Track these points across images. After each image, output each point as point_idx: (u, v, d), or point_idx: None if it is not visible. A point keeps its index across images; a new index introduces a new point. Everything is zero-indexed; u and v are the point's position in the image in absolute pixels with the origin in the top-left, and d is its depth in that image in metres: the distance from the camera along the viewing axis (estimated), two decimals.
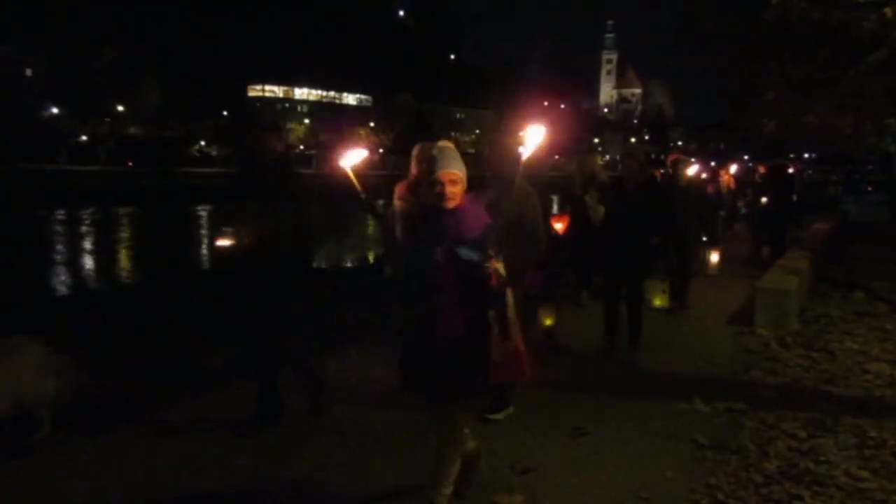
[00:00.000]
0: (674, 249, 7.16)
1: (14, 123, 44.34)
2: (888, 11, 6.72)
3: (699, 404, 4.63)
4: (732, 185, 12.39)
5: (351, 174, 3.06)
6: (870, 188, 51.62)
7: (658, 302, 5.49)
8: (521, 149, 2.83)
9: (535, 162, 4.01)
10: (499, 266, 2.71)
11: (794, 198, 13.32)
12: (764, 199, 11.14)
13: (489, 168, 4.29)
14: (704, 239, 8.53)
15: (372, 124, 79.82)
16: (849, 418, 4.36)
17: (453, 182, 2.87)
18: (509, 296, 2.94)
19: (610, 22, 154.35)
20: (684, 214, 7.07)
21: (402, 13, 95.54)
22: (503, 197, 4.06)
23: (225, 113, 64.79)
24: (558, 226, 7.51)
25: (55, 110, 53.26)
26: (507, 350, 2.99)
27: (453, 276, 2.76)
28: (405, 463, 3.66)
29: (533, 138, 2.89)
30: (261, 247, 3.90)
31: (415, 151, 4.32)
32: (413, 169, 4.30)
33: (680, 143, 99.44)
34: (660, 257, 5.79)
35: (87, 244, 22.34)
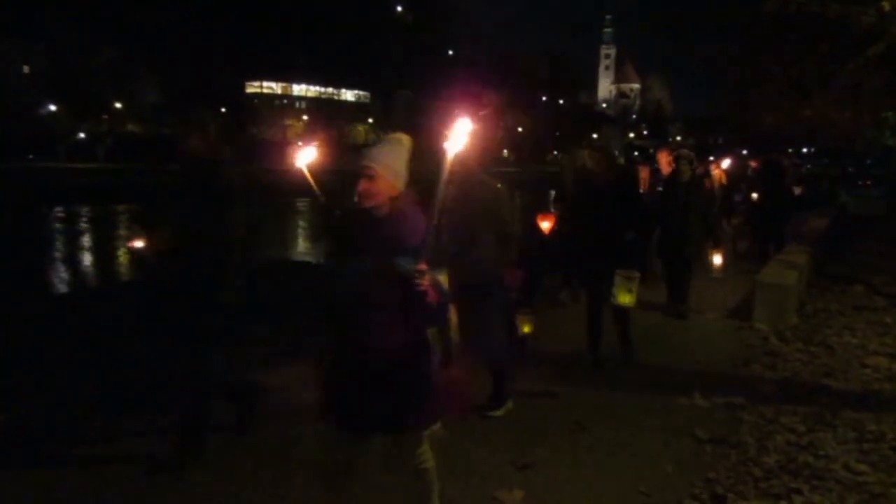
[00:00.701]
0: (674, 249, 6.93)
1: (12, 121, 44.25)
2: (886, 5, 6.71)
3: (698, 399, 4.64)
4: (724, 180, 12.14)
5: (307, 173, 2.78)
6: (868, 182, 51.61)
7: (624, 299, 4.93)
8: (445, 145, 2.41)
9: (465, 159, 3.88)
10: (442, 278, 2.44)
11: (796, 192, 13.19)
12: (755, 195, 10.74)
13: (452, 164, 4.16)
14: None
15: (371, 120, 79.76)
16: (848, 412, 4.37)
17: (369, 178, 2.51)
18: (453, 314, 2.62)
19: (608, 17, 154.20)
20: (685, 212, 6.82)
21: (399, 9, 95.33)
22: (468, 195, 3.98)
23: (223, 109, 64.72)
24: (545, 225, 7.22)
25: (53, 108, 53.18)
26: (447, 377, 2.61)
27: (388, 290, 2.43)
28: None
29: (459, 133, 2.44)
30: (177, 251, 3.51)
31: None
32: None
33: (679, 137, 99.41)
34: (638, 254, 5.37)
35: (82, 242, 22.30)
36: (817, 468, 3.60)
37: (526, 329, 5.11)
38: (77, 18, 52.12)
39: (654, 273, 7.88)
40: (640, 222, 5.44)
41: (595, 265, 5.19)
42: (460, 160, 3.89)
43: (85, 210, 30.24)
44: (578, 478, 3.53)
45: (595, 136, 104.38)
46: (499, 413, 4.30)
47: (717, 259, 7.91)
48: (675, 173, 7.14)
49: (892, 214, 17.70)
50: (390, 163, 2.54)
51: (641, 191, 7.90)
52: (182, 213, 3.55)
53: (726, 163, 12.06)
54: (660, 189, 7.83)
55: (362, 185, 2.50)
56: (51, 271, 16.63)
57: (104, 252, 20.35)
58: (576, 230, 5.39)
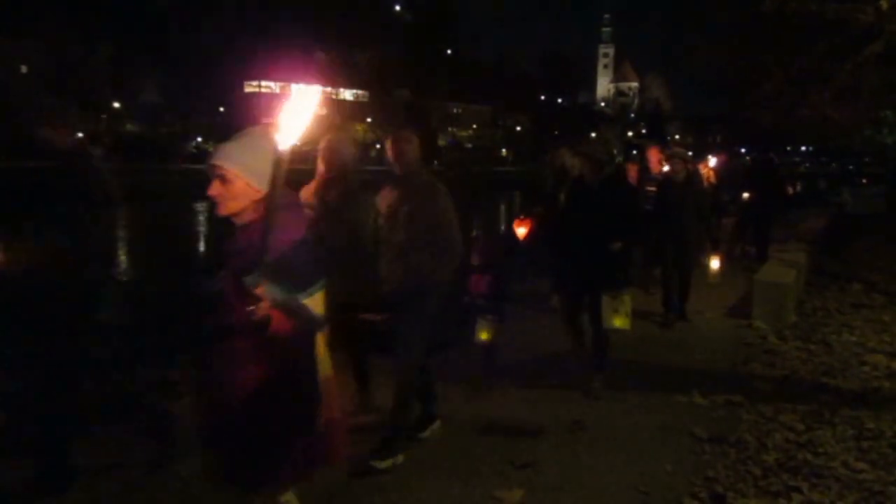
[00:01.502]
0: (672, 254, 6.62)
1: (10, 120, 44.19)
2: (884, 4, 6.72)
3: (697, 397, 4.64)
4: (712, 179, 11.79)
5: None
6: (864, 180, 51.68)
7: (618, 322, 4.50)
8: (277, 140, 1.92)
9: (406, 155, 3.66)
10: (312, 302, 2.03)
11: (790, 191, 13.07)
12: (746, 195, 10.33)
13: (390, 163, 3.78)
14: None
15: (369, 119, 79.71)
16: (846, 410, 4.38)
17: (221, 180, 2.07)
18: (321, 346, 2.17)
19: (607, 16, 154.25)
20: (682, 214, 6.52)
21: (398, 8, 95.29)
22: (407, 196, 3.69)
23: (221, 109, 64.67)
24: (521, 230, 6.73)
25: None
26: (319, 427, 2.19)
27: (241, 316, 1.97)
28: None
29: (291, 125, 1.92)
30: (29, 267, 2.96)
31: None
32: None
33: (677, 136, 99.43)
34: (627, 266, 4.83)
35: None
36: (816, 466, 3.60)
37: (483, 336, 4.68)
38: (75, 17, 52.05)
39: (650, 278, 7.69)
40: (632, 232, 4.87)
41: (579, 278, 4.71)
42: (398, 158, 3.70)
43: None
44: (578, 477, 3.53)
45: (594, 134, 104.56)
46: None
47: (716, 263, 7.62)
48: (670, 173, 6.86)
49: (891, 212, 17.71)
50: (249, 161, 2.08)
51: None
52: (43, 220, 3.01)
53: (713, 161, 11.76)
54: (649, 189, 7.57)
55: (213, 188, 2.07)
56: None
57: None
58: (558, 237, 4.91)
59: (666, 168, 7.19)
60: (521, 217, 7.02)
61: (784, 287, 6.80)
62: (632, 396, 4.70)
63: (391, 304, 3.68)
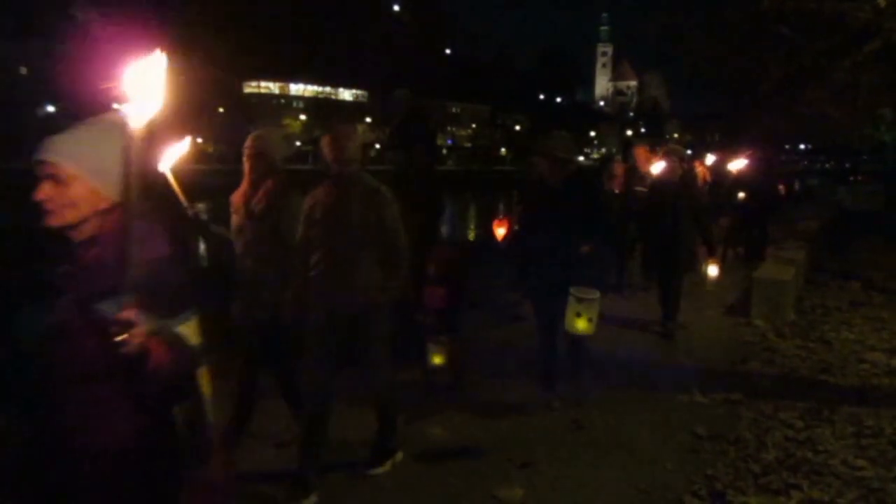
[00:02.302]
0: (665, 258, 6.13)
1: (10, 122, 44.21)
2: (881, 2, 6.74)
3: (697, 396, 4.65)
4: (708, 178, 10.99)
5: (171, 178, 2.04)
6: (860, 178, 51.68)
7: (579, 325, 4.13)
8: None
9: (340, 151, 3.23)
10: (189, 329, 1.59)
11: (782, 191, 12.80)
12: (742, 195, 9.78)
13: (325, 161, 3.37)
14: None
15: (368, 119, 79.67)
16: (846, 407, 4.39)
17: (54, 181, 1.58)
18: (205, 383, 1.69)
19: (605, 14, 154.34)
20: (676, 216, 5.99)
21: (396, 8, 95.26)
22: (346, 200, 3.26)
23: (221, 110, 64.66)
24: (500, 231, 6.40)
25: (50, 108, 53.11)
26: (198, 483, 1.70)
27: (89, 353, 1.52)
28: None
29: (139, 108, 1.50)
30: None
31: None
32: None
33: (676, 135, 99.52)
34: (598, 269, 4.44)
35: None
36: (816, 463, 3.61)
37: (437, 360, 4.24)
38: (73, 18, 52.04)
39: (640, 283, 7.51)
40: (603, 234, 4.50)
41: (546, 280, 4.38)
42: (335, 155, 3.24)
43: None
44: (578, 475, 3.54)
45: (592, 133, 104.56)
46: (380, 470, 3.49)
47: (713, 270, 7.10)
48: (664, 172, 6.34)
49: (889, 210, 17.73)
50: (92, 158, 1.62)
51: (617, 192, 7.47)
52: None
53: (710, 159, 11.36)
54: (638, 189, 7.24)
55: (42, 191, 1.58)
56: None
57: None
58: (527, 240, 4.58)
59: (657, 166, 6.77)
60: (501, 217, 6.73)
61: (783, 285, 6.81)
62: (631, 395, 4.70)
63: (327, 325, 3.28)
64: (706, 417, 4.30)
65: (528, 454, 3.73)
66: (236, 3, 64.68)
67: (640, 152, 7.79)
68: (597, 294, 4.15)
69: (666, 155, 6.36)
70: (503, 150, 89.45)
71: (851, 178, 47.80)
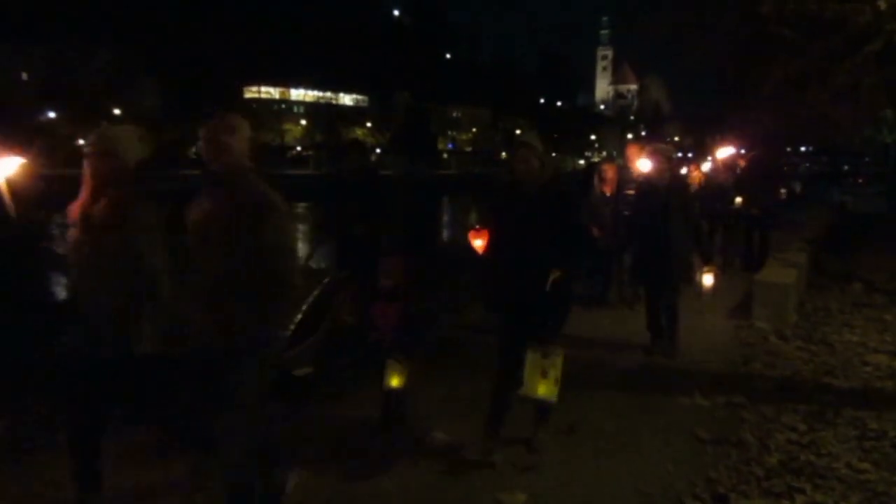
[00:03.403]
0: (655, 269, 5.54)
1: (11, 127, 44.32)
2: (882, 3, 6.73)
3: (699, 398, 4.63)
4: (701, 182, 10.30)
5: (4, 190, 1.85)
6: (860, 180, 51.65)
7: (540, 390, 3.38)
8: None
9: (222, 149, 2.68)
10: None
11: (782, 195, 12.30)
12: (739, 199, 9.18)
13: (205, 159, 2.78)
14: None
15: (369, 124, 79.79)
16: (849, 410, 4.37)
17: None
18: None
19: (605, 18, 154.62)
20: (667, 224, 5.40)
21: (397, 12, 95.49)
22: (225, 211, 2.64)
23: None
24: (478, 242, 5.83)
25: (52, 114, 53.23)
26: None
27: None
28: None
29: None
30: None
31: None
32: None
33: (676, 138, 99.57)
34: (565, 306, 3.68)
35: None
36: (819, 467, 3.59)
37: (394, 382, 3.76)
38: (74, 23, 52.22)
39: (633, 297, 6.96)
40: (572, 257, 3.64)
41: (515, 311, 3.60)
42: (213, 151, 2.68)
43: None
44: (580, 478, 3.52)
45: (593, 136, 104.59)
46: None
47: (708, 280, 6.42)
48: (651, 174, 5.71)
49: (892, 212, 17.71)
50: None
51: (608, 194, 7.07)
52: None
53: (706, 164, 10.47)
54: (629, 192, 6.80)
55: None
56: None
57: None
58: (493, 258, 3.80)
59: (642, 164, 6.34)
60: (478, 227, 6.16)
61: (785, 287, 6.79)
62: (633, 398, 4.68)
63: (198, 369, 2.80)
64: (708, 420, 4.28)
65: (529, 457, 3.71)
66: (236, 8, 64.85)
67: (631, 151, 7.44)
68: (560, 350, 3.39)
69: (652, 154, 5.69)
70: (504, 153, 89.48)
71: (852, 180, 47.78)
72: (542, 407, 3.66)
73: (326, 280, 5.11)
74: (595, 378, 5.12)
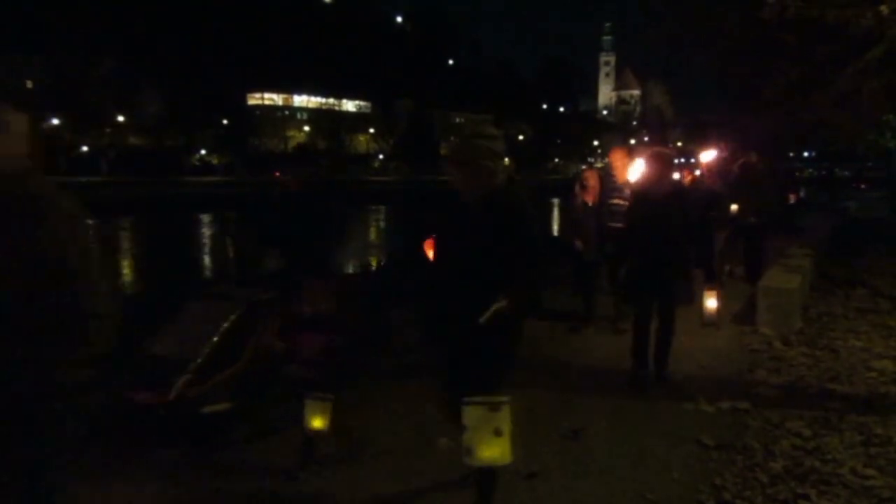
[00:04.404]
0: (650, 287, 4.98)
1: None
2: (884, 9, 6.72)
3: (703, 404, 4.62)
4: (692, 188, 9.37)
5: None
6: (863, 185, 51.60)
7: (488, 452, 2.72)
8: None
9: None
10: None
11: (790, 200, 12.13)
12: (734, 207, 8.69)
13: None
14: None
15: (371, 130, 79.99)
16: (854, 416, 4.35)
17: None
18: None
19: (607, 24, 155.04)
20: (666, 236, 4.86)
21: (399, 19, 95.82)
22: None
23: (225, 121, 65.04)
24: (433, 253, 5.33)
25: (55, 121, 53.50)
26: None
27: None
28: None
29: None
30: None
31: None
32: None
33: (679, 143, 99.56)
34: (512, 345, 3.02)
35: None
36: (824, 473, 3.58)
37: (317, 423, 3.33)
38: (79, 31, 52.53)
39: (619, 316, 6.39)
40: (527, 282, 2.92)
41: (456, 336, 2.94)
42: None
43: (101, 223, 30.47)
44: (584, 485, 3.51)
45: (595, 142, 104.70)
46: None
47: (711, 302, 5.96)
48: (650, 181, 5.13)
49: (895, 216, 17.68)
50: None
51: (590, 203, 6.47)
52: None
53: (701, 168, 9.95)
54: (615, 202, 6.26)
55: None
56: None
57: (141, 262, 20.58)
58: (431, 280, 3.22)
59: (635, 171, 5.89)
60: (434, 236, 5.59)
61: (789, 293, 6.78)
62: (637, 404, 4.67)
63: None
64: (713, 426, 4.27)
65: (534, 464, 3.70)
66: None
67: (616, 157, 6.64)
68: (504, 398, 2.70)
69: (652, 158, 5.10)
70: (506, 159, 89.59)
71: (854, 186, 47.81)
72: (485, 473, 2.91)
73: (248, 301, 4.43)
74: (599, 384, 5.12)
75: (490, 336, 2.77)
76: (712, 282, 5.54)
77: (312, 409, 3.31)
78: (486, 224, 2.88)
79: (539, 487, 3.48)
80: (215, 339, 4.15)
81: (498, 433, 2.59)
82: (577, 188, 6.65)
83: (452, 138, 3.35)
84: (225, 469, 3.65)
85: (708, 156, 10.33)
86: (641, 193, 5.23)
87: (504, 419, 2.64)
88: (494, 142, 3.05)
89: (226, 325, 4.24)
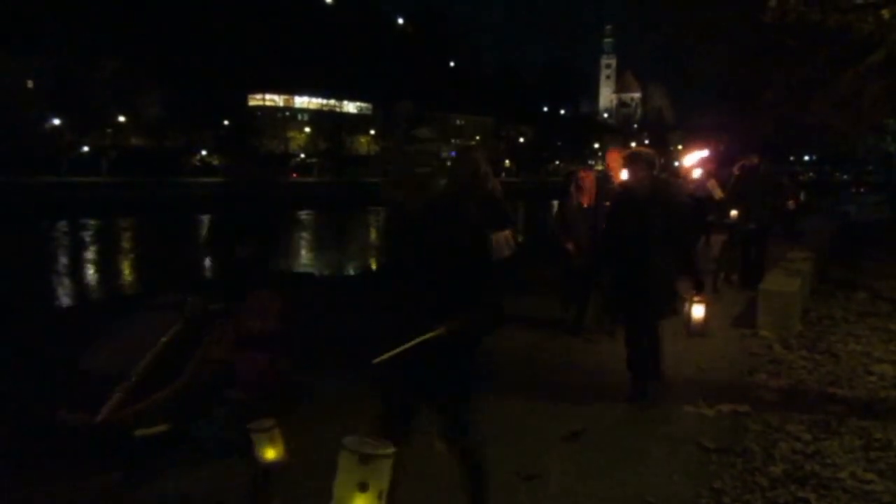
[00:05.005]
0: (633, 296, 4.67)
1: (16, 135, 44.57)
2: (886, 13, 6.73)
3: (703, 408, 4.62)
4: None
5: None
6: (862, 189, 51.55)
7: (269, 454, 2.85)
8: None
9: None
10: None
11: (792, 205, 12.06)
12: (734, 212, 8.53)
13: None
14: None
15: (372, 132, 79.98)
16: (854, 420, 4.35)
17: None
18: None
19: (608, 27, 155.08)
20: (647, 241, 4.56)
21: (401, 21, 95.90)
22: None
23: (226, 122, 65.05)
24: None
25: (56, 122, 53.52)
26: None
27: None
28: None
29: None
30: None
31: None
32: None
33: (679, 146, 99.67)
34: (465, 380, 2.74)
35: (86, 256, 22.40)
36: (824, 477, 3.57)
37: (269, 455, 2.91)
38: (80, 32, 52.59)
39: (611, 324, 6.03)
40: (477, 301, 2.59)
41: (414, 357, 2.50)
42: None
43: (91, 223, 30.40)
44: (584, 487, 3.51)
45: (596, 145, 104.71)
46: None
47: (699, 311, 5.67)
48: (629, 182, 4.88)
49: (895, 220, 17.68)
50: None
51: (585, 206, 6.27)
52: None
53: (698, 172, 9.67)
54: (609, 204, 5.79)
55: None
56: (54, 284, 16.72)
57: (107, 266, 20.50)
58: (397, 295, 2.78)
59: (623, 173, 5.60)
60: None
61: (789, 296, 6.78)
62: (637, 407, 4.67)
63: None
64: (712, 429, 4.27)
65: (534, 466, 3.70)
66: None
67: (611, 158, 6.49)
68: (390, 448, 2.21)
69: (629, 159, 4.87)
70: (507, 161, 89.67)
71: (853, 190, 47.84)
72: (475, 478, 2.76)
73: (191, 313, 4.07)
74: (599, 387, 5.11)
75: (435, 357, 2.51)
76: (699, 290, 5.25)
77: (260, 441, 2.91)
78: (428, 232, 2.58)
79: (539, 490, 3.47)
80: (153, 352, 3.77)
81: (363, 488, 2.12)
82: (572, 188, 6.43)
83: (395, 149, 2.98)
84: (158, 501, 3.22)
85: (691, 159, 10.09)
86: (620, 196, 5.05)
87: (374, 475, 2.13)
88: (428, 144, 2.84)
89: (164, 338, 3.84)
